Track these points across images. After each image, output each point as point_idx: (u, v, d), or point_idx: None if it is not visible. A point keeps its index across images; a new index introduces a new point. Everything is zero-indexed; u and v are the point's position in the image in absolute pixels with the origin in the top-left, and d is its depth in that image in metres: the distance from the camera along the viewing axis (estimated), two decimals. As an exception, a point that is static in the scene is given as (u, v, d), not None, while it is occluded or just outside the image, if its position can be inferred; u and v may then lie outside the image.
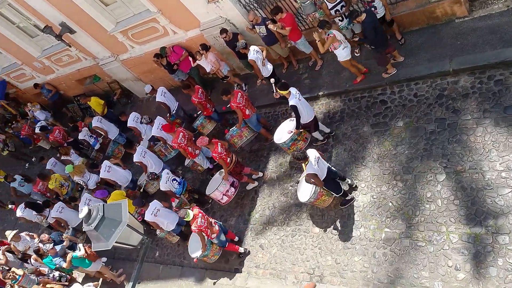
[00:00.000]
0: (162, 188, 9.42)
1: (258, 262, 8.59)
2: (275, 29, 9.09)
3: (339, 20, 8.78)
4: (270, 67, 9.72)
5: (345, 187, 7.93)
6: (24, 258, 10.87)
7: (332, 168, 7.77)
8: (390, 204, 7.53)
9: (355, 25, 8.57)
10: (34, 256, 10.46)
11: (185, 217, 7.79)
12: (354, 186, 8.07)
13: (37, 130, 14.00)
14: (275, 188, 9.25)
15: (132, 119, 11.04)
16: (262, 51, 9.57)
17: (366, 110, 8.86)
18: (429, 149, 7.64)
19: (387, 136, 8.26)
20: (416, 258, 6.86)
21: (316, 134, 8.86)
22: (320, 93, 9.70)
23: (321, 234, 8.05)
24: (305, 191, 7.89)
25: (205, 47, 10.23)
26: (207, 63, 10.42)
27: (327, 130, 9.00)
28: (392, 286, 6.87)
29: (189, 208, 8.54)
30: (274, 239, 8.63)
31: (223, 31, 9.63)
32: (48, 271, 10.08)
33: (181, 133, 9.45)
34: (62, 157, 12.19)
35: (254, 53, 9.42)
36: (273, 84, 8.72)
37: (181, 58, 11.16)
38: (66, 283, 10.18)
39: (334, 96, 9.55)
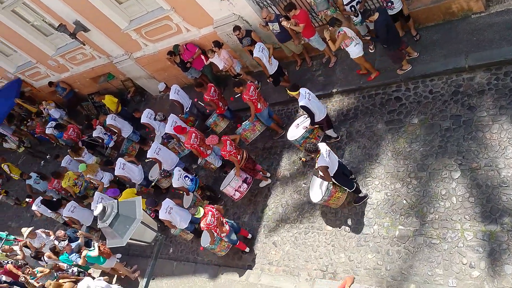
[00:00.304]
0: (174, 185, 9.48)
1: (271, 259, 8.60)
2: (288, 26, 9.06)
3: (354, 16, 8.72)
4: (275, 63, 9.78)
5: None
6: (38, 256, 11.02)
7: (343, 163, 7.75)
8: (404, 201, 7.47)
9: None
10: (47, 253, 10.60)
11: (196, 214, 7.83)
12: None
13: (48, 132, 14.12)
14: (288, 185, 9.24)
15: (146, 116, 11.13)
16: (269, 49, 9.59)
17: (381, 107, 8.80)
18: (444, 146, 7.56)
19: (402, 133, 8.19)
20: (430, 256, 6.80)
21: (330, 132, 8.83)
22: (334, 90, 9.66)
23: (334, 231, 8.02)
24: (317, 191, 7.87)
25: (218, 44, 10.24)
26: (220, 60, 10.43)
27: (334, 136, 8.97)
28: (406, 284, 6.82)
29: (202, 206, 8.66)
30: (287, 236, 8.63)
31: (236, 28, 9.62)
32: (67, 266, 10.19)
33: (193, 134, 9.49)
34: (75, 158, 12.29)
35: (260, 50, 9.45)
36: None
37: (194, 56, 11.19)
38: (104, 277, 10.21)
39: (348, 93, 9.50)
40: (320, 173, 7.24)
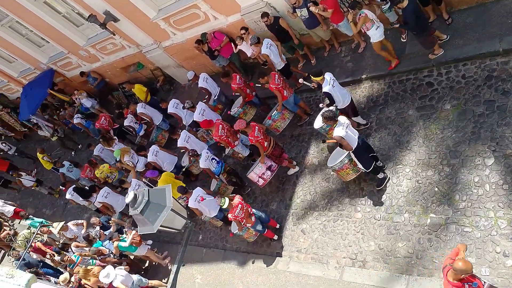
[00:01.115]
0: (201, 166, 9.62)
1: (299, 247, 8.62)
2: (317, 12, 8.92)
3: (383, 3, 8.50)
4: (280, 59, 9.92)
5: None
6: (64, 248, 11.42)
7: (368, 143, 7.69)
8: (436, 189, 7.33)
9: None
10: (74, 243, 11.01)
11: (221, 204, 7.93)
12: (384, 168, 8.06)
13: (75, 121, 14.46)
14: (317, 173, 9.20)
15: (172, 106, 11.24)
16: (277, 46, 9.69)
17: (412, 93, 8.61)
18: (477, 133, 7.38)
19: (434, 119, 8.00)
20: (463, 244, 6.68)
21: (357, 119, 8.72)
22: (363, 76, 9.50)
23: (363, 219, 7.96)
24: (335, 158, 7.88)
25: (246, 29, 10.19)
26: (248, 47, 10.38)
27: (363, 122, 8.86)
28: (438, 273, 6.73)
29: (226, 189, 9.06)
30: (315, 224, 8.62)
31: (264, 15, 9.55)
32: (108, 251, 10.49)
33: (220, 125, 9.52)
34: (106, 148, 12.56)
35: (267, 47, 9.58)
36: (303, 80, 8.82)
37: (222, 44, 11.19)
38: (124, 265, 10.47)
39: (378, 78, 9.32)
40: (330, 141, 7.44)
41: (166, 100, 12.03)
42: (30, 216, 12.97)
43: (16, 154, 17.69)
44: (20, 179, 14.43)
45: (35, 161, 17.02)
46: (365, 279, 7.40)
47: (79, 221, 11.63)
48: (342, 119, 7.36)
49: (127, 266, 10.27)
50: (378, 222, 7.75)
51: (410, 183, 7.69)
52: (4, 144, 17.48)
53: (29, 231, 12.89)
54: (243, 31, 10.12)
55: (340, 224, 8.25)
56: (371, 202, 8.01)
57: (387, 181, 7.95)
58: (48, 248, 11.83)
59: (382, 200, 7.89)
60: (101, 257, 10.18)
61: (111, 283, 9.03)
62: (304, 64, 10.83)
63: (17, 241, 12.58)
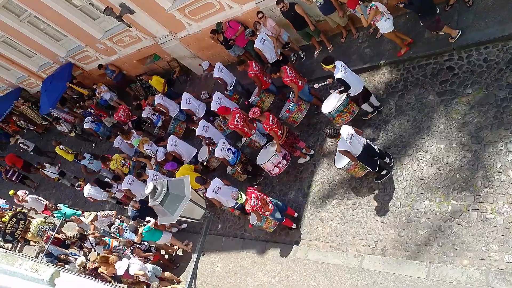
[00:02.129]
0: (216, 155, 9.70)
1: (318, 235, 8.60)
2: None
3: None
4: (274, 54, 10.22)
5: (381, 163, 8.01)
6: (82, 238, 11.60)
7: (372, 145, 7.69)
8: (458, 175, 7.20)
9: None
10: (94, 234, 11.21)
11: (238, 199, 7.97)
12: (391, 165, 8.09)
13: (86, 126, 14.72)
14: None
15: (185, 102, 11.22)
16: (273, 41, 10.02)
17: (432, 78, 8.43)
18: (499, 117, 7.21)
19: (455, 104, 7.84)
20: (484, 231, 6.58)
21: (365, 106, 8.66)
22: (382, 62, 9.34)
23: (383, 207, 7.89)
24: (342, 159, 7.95)
25: (263, 13, 10.08)
26: (267, 30, 10.29)
27: (377, 104, 8.77)
28: (459, 260, 6.66)
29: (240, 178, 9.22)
30: (334, 213, 8.58)
31: (280, 1, 9.43)
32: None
33: (237, 114, 9.52)
34: (124, 141, 12.66)
35: (261, 41, 9.90)
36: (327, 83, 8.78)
37: (237, 33, 11.13)
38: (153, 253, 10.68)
39: (397, 64, 9.15)
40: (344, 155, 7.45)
41: (179, 96, 11.88)
42: (59, 205, 13.18)
43: (33, 152, 18.09)
44: (44, 171, 14.69)
45: (53, 158, 17.37)
46: (385, 267, 7.35)
47: (110, 212, 11.72)
48: (344, 131, 7.34)
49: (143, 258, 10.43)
50: (398, 209, 7.67)
51: (431, 170, 7.56)
52: (22, 143, 17.87)
53: (41, 219, 13.19)
54: (260, 15, 10.03)
55: (359, 212, 8.19)
56: (391, 189, 7.92)
57: (387, 177, 8.06)
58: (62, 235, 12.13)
59: (402, 187, 7.80)
60: (133, 247, 10.35)
61: (127, 271, 9.26)
62: (320, 51, 10.70)
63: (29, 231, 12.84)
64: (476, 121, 7.43)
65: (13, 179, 16.94)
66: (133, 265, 9.41)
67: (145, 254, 10.38)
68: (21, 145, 17.84)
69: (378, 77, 9.36)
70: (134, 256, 10.09)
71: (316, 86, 8.93)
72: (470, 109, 7.62)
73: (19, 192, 13.96)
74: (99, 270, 9.77)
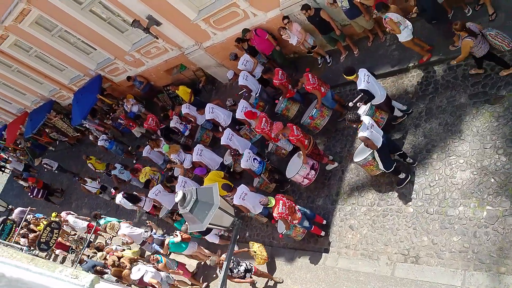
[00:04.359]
0: (242, 166, 9.68)
1: (348, 243, 8.44)
2: (358, 1, 8.71)
3: None
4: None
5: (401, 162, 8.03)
6: (99, 248, 11.83)
7: (394, 141, 7.70)
8: (493, 180, 6.95)
9: None
10: (107, 249, 11.44)
11: (268, 204, 7.92)
12: (415, 164, 8.07)
13: (99, 143, 15.29)
14: (363, 167, 8.98)
15: (208, 112, 11.29)
16: (254, 62, 11.05)
17: (463, 80, 8.21)
18: (536, 119, 6.92)
19: (488, 106, 7.60)
20: (523, 238, 6.31)
21: (396, 112, 8.54)
22: (411, 65, 9.17)
23: (415, 214, 7.68)
24: (360, 153, 8.05)
25: (287, 17, 10.08)
26: (293, 35, 10.26)
27: (404, 108, 8.65)
28: (496, 267, 6.39)
29: (267, 188, 9.26)
30: (364, 220, 8.41)
31: (305, 7, 9.42)
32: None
33: (264, 118, 9.53)
34: (154, 149, 12.85)
35: (244, 63, 11.00)
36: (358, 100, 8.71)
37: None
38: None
39: (426, 66, 8.96)
40: (365, 142, 7.45)
41: (203, 107, 12.00)
42: (103, 216, 13.48)
43: (57, 171, 18.92)
44: (85, 186, 14.98)
45: (76, 175, 18.01)
46: (418, 275, 7.14)
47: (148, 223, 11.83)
48: (366, 119, 7.37)
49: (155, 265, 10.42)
50: (431, 216, 7.45)
51: (464, 175, 7.33)
52: (46, 164, 18.62)
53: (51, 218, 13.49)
54: (285, 21, 10.03)
55: (390, 219, 8.00)
56: (423, 195, 7.72)
57: (408, 181, 7.94)
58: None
59: (435, 193, 7.59)
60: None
61: (141, 278, 9.48)
62: (346, 55, 10.60)
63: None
64: (510, 124, 7.17)
65: (38, 197, 17.97)
66: (148, 273, 9.61)
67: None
68: (45, 165, 18.67)
69: (408, 80, 9.19)
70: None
71: (351, 104, 8.74)
72: (504, 111, 7.36)
73: (63, 214, 14.32)
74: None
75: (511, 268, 6.25)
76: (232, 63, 12.68)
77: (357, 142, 9.40)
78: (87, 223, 14.04)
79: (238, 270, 8.26)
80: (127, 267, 10.20)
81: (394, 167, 7.79)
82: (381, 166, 7.77)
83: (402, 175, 7.99)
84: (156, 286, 9.58)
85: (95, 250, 12.99)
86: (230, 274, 8.28)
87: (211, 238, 10.23)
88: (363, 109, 8.51)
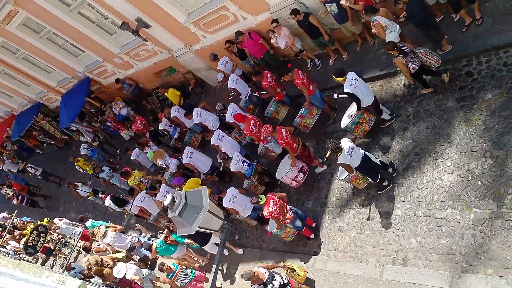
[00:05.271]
0: (232, 169, 9.65)
1: (337, 245, 8.47)
2: (347, 5, 8.78)
3: None
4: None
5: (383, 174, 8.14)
6: (86, 249, 11.79)
7: (372, 158, 7.79)
8: (480, 182, 7.03)
9: None
10: (96, 248, 11.39)
11: (259, 201, 7.92)
12: (394, 174, 8.22)
13: (82, 152, 15.25)
14: (352, 170, 9.03)
15: (196, 115, 11.25)
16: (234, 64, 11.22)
17: (451, 84, 8.30)
18: (522, 122, 7.01)
19: (475, 110, 7.70)
20: (509, 239, 6.39)
21: (383, 116, 8.62)
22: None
23: (403, 216, 7.74)
24: (345, 171, 8.07)
25: (276, 20, 10.11)
26: (281, 39, 10.30)
27: (388, 112, 8.77)
28: (483, 269, 6.46)
29: (256, 191, 9.11)
30: (353, 222, 8.45)
31: (295, 11, 9.46)
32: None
33: (252, 121, 9.55)
34: (142, 153, 12.78)
35: (223, 63, 11.28)
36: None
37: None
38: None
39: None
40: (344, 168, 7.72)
41: (191, 112, 11.91)
42: (89, 219, 13.34)
43: (40, 176, 18.78)
44: (77, 190, 14.82)
45: (61, 179, 18.22)
46: (406, 277, 7.18)
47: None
48: (346, 146, 7.53)
49: (139, 262, 10.65)
50: (418, 218, 7.52)
51: (452, 177, 7.41)
52: (30, 167, 18.47)
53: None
54: (274, 24, 10.06)
55: (378, 222, 8.05)
56: (411, 198, 7.79)
57: (388, 188, 8.15)
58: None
59: (422, 196, 7.65)
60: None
61: (124, 276, 9.50)
62: (335, 59, 10.67)
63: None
64: (497, 127, 7.27)
65: (23, 204, 17.84)
66: (130, 270, 9.63)
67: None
68: (29, 169, 18.52)
69: (396, 84, 9.27)
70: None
71: (335, 96, 8.87)
72: (490, 114, 7.46)
73: (55, 220, 13.96)
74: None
75: (498, 270, 6.32)
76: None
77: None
78: (80, 230, 13.85)
79: (273, 286, 7.30)
80: (109, 266, 10.13)
81: (380, 177, 7.99)
82: (369, 178, 7.98)
83: (385, 182, 8.15)
84: (138, 283, 9.63)
85: (82, 251, 12.81)
86: None
87: (211, 248, 9.87)
88: (351, 109, 8.64)
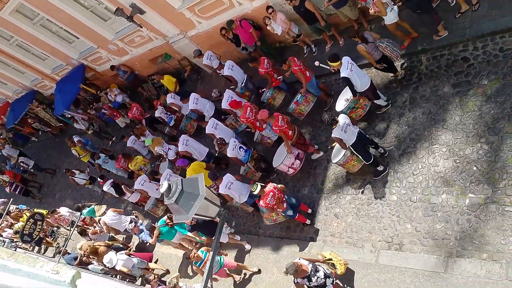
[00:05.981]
0: (228, 155, 9.68)
1: (333, 231, 8.53)
2: None
3: None
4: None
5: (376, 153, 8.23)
6: (82, 232, 11.83)
7: (365, 134, 7.88)
8: (475, 168, 7.07)
9: None
10: (92, 230, 11.50)
11: (252, 189, 7.93)
12: (386, 155, 8.31)
13: (75, 139, 15.12)
14: (349, 156, 9.05)
15: (192, 102, 11.22)
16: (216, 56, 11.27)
17: (447, 69, 8.29)
18: (517, 108, 7.03)
19: (470, 96, 7.70)
20: (503, 224, 6.46)
21: (379, 101, 8.64)
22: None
23: (399, 202, 7.79)
24: (338, 153, 8.19)
25: (271, 7, 10.05)
26: (277, 25, 10.23)
27: (384, 99, 8.75)
28: (478, 253, 6.54)
29: (253, 177, 9.15)
30: (349, 208, 8.50)
31: (290, -3, 9.38)
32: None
33: (249, 108, 9.53)
34: (141, 139, 12.73)
35: (208, 57, 11.32)
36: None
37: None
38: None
39: (410, 56, 9.02)
40: (337, 143, 7.80)
41: (187, 97, 11.85)
42: (86, 206, 13.40)
43: (32, 169, 18.85)
44: (74, 178, 14.76)
45: (55, 170, 18.11)
46: (402, 262, 7.26)
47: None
48: (342, 120, 7.60)
49: (128, 251, 10.70)
50: (414, 204, 7.57)
51: (447, 163, 7.45)
52: (23, 162, 18.46)
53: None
54: (270, 10, 10.00)
55: (374, 207, 8.10)
56: (407, 183, 7.83)
57: (384, 174, 8.17)
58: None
59: (418, 181, 7.69)
60: None
61: (114, 266, 9.79)
62: (332, 45, 10.61)
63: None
64: (493, 112, 7.29)
65: (16, 192, 17.78)
66: (119, 261, 9.90)
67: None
68: (22, 164, 18.46)
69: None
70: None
71: (316, 63, 8.90)
72: (486, 100, 7.47)
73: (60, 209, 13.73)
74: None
75: (492, 254, 6.39)
76: (218, 53, 12.61)
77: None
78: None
79: (318, 277, 6.68)
80: (103, 245, 10.36)
81: (373, 159, 8.00)
82: (361, 157, 7.97)
83: (380, 168, 8.15)
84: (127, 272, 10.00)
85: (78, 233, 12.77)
86: (308, 284, 6.72)
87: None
88: (348, 93, 8.61)
